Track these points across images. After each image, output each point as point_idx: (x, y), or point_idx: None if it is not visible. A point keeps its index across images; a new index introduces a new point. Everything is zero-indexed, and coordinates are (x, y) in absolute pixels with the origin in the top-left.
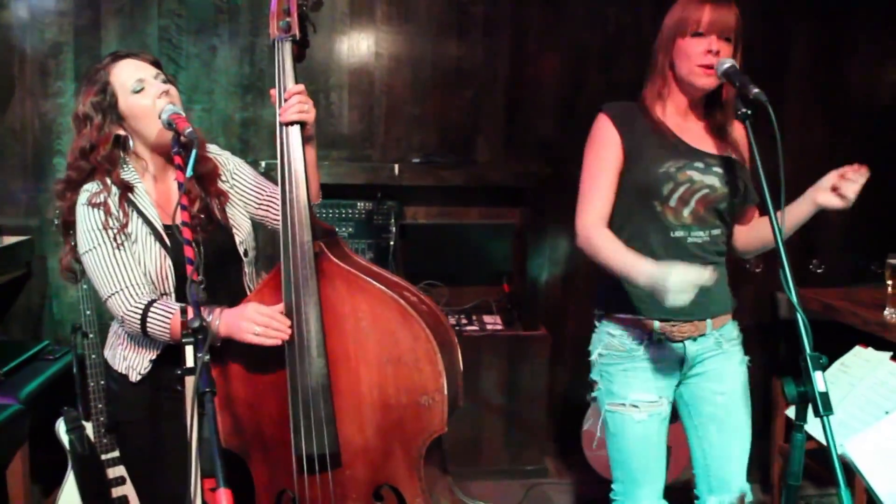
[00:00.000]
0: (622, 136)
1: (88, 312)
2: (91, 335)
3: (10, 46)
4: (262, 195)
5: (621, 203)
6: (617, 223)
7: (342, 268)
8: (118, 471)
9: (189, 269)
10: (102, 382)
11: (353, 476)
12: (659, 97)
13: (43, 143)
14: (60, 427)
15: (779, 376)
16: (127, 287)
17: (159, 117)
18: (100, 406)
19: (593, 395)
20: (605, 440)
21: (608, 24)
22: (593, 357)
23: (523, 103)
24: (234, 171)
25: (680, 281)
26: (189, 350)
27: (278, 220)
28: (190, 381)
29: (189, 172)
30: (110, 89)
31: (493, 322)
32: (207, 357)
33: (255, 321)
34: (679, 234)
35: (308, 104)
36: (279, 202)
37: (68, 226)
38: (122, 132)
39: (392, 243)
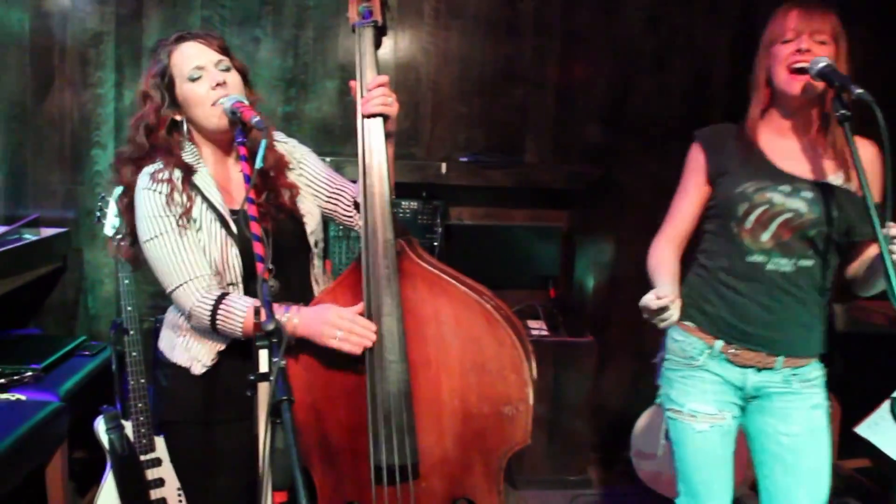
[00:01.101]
0: (708, 160)
1: (130, 308)
2: (132, 332)
3: (50, 35)
4: (332, 187)
5: (710, 222)
6: (705, 246)
7: (424, 268)
8: (157, 472)
9: (259, 267)
10: (143, 381)
11: (429, 488)
12: (759, 117)
13: (81, 134)
14: (100, 426)
15: (834, 390)
16: (195, 278)
17: (213, 105)
18: (139, 405)
19: (658, 400)
20: (672, 449)
21: (660, 25)
22: (658, 361)
23: (572, 105)
24: (302, 161)
25: (643, 302)
26: (263, 355)
27: (348, 215)
28: (263, 388)
29: (259, 163)
30: (168, 73)
31: (538, 327)
32: (284, 362)
33: (337, 326)
34: (757, 258)
35: (392, 97)
36: (349, 196)
37: (128, 204)
38: (178, 117)
39: (436, 244)
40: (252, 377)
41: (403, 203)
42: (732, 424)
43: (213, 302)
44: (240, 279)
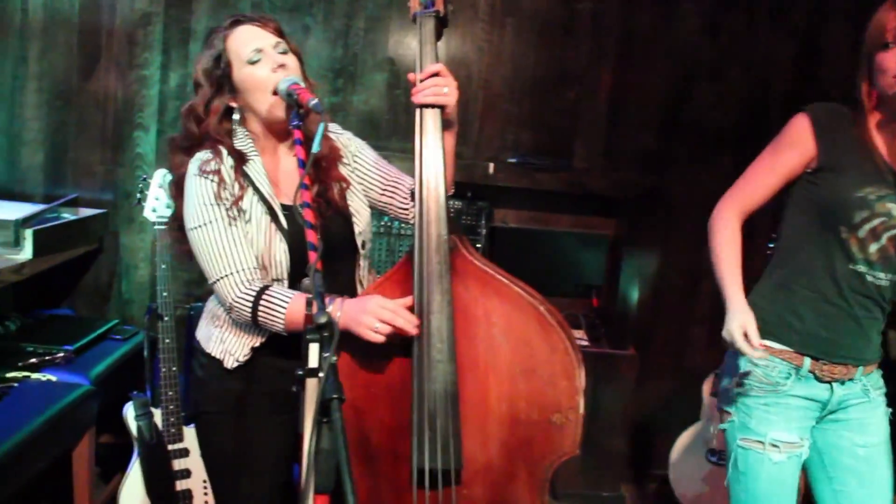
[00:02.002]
0: (819, 145)
1: (165, 294)
2: (167, 318)
3: (99, 15)
4: (387, 180)
5: (801, 220)
6: (793, 242)
7: (477, 266)
8: (184, 463)
9: (312, 256)
10: (174, 369)
11: (471, 496)
12: (872, 121)
13: (124, 116)
14: (129, 412)
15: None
16: (239, 271)
17: (274, 92)
18: (170, 393)
19: (722, 426)
20: (729, 477)
21: (720, 32)
22: (728, 384)
23: (626, 110)
24: (357, 154)
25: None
26: (313, 349)
27: (403, 209)
28: (311, 385)
29: (316, 147)
30: (225, 59)
31: (579, 337)
32: (335, 358)
33: (377, 315)
34: (860, 268)
35: (449, 86)
36: (406, 188)
37: (179, 188)
38: (234, 104)
39: (480, 246)
40: (300, 372)
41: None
42: (808, 453)
43: (254, 295)
44: (286, 275)
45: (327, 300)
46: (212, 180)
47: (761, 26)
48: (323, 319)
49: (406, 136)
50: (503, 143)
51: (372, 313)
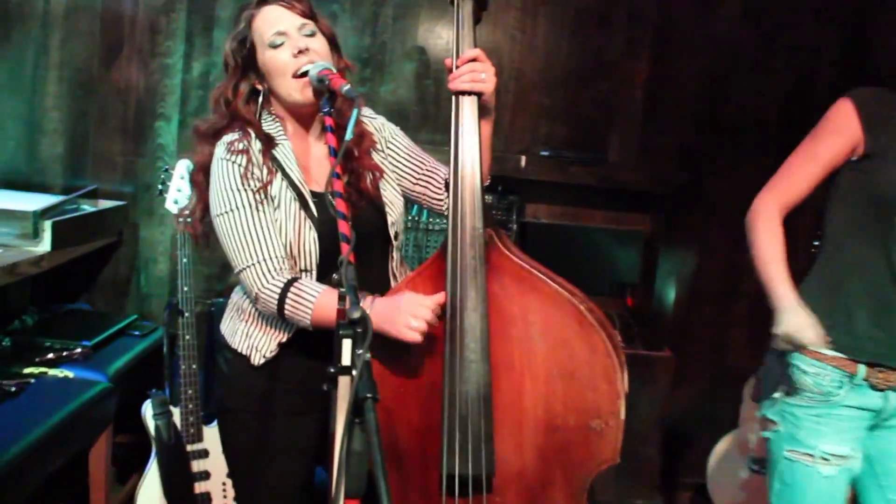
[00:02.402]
0: (867, 132)
1: (186, 289)
2: (187, 314)
3: (121, 1)
4: (422, 169)
5: (849, 212)
6: (841, 237)
7: (513, 262)
8: (203, 465)
9: (344, 248)
10: (194, 367)
11: None
12: None
13: (146, 105)
14: (147, 411)
15: None
16: (266, 259)
17: (295, 76)
18: (190, 392)
19: (765, 434)
20: (773, 490)
21: (762, 21)
22: (772, 391)
23: (663, 103)
24: (390, 140)
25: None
26: (346, 345)
27: (437, 200)
28: (344, 383)
29: (349, 135)
30: (249, 40)
31: None
32: (369, 355)
33: (413, 313)
34: None
35: (486, 72)
36: (440, 178)
37: (198, 183)
38: (259, 86)
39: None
40: (332, 370)
41: None
42: (860, 466)
43: (282, 285)
44: (314, 266)
45: (363, 297)
46: (239, 164)
47: (806, 13)
48: (356, 314)
49: (435, 127)
50: (535, 136)
51: (408, 311)
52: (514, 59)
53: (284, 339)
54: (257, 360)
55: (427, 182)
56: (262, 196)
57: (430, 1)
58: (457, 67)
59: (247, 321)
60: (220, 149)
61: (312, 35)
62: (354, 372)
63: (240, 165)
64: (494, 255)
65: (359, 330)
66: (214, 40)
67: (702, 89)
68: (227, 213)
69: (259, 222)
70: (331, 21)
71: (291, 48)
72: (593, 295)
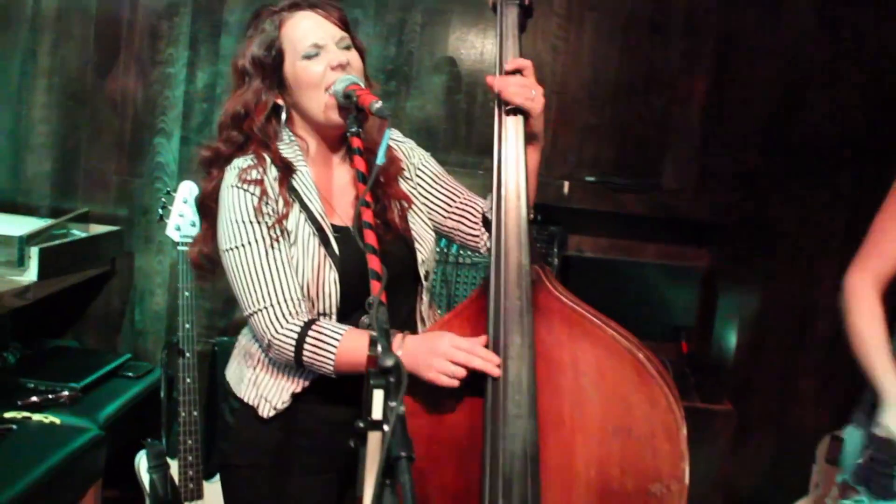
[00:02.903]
0: None
1: (188, 326)
2: (188, 354)
3: (119, 3)
4: (455, 201)
5: None
6: None
7: (564, 303)
8: None
9: (376, 286)
10: (195, 413)
11: None
12: None
13: (144, 119)
14: (141, 463)
15: None
16: (281, 302)
17: (327, 90)
18: (189, 443)
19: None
20: None
21: (839, 28)
22: (863, 460)
23: (724, 121)
24: (420, 168)
25: None
26: (378, 397)
27: (473, 236)
28: (374, 440)
29: (381, 159)
30: (277, 46)
31: None
32: (403, 409)
33: (450, 356)
34: None
35: (535, 89)
36: (477, 212)
37: (207, 209)
38: (280, 102)
39: None
40: (361, 425)
41: None
42: None
43: (298, 330)
44: (334, 310)
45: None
46: (252, 193)
47: (889, 21)
48: (390, 362)
49: (467, 148)
50: (580, 159)
51: (444, 354)
52: (555, 73)
53: (299, 389)
54: (267, 412)
55: (461, 216)
56: (278, 231)
57: (462, 5)
58: (504, 75)
59: (255, 367)
60: (230, 174)
61: (349, 48)
62: (386, 427)
63: (253, 195)
64: (542, 296)
65: (392, 379)
66: (221, 48)
67: (769, 106)
68: (237, 248)
69: (273, 260)
70: (352, 28)
71: (328, 61)
72: (644, 339)
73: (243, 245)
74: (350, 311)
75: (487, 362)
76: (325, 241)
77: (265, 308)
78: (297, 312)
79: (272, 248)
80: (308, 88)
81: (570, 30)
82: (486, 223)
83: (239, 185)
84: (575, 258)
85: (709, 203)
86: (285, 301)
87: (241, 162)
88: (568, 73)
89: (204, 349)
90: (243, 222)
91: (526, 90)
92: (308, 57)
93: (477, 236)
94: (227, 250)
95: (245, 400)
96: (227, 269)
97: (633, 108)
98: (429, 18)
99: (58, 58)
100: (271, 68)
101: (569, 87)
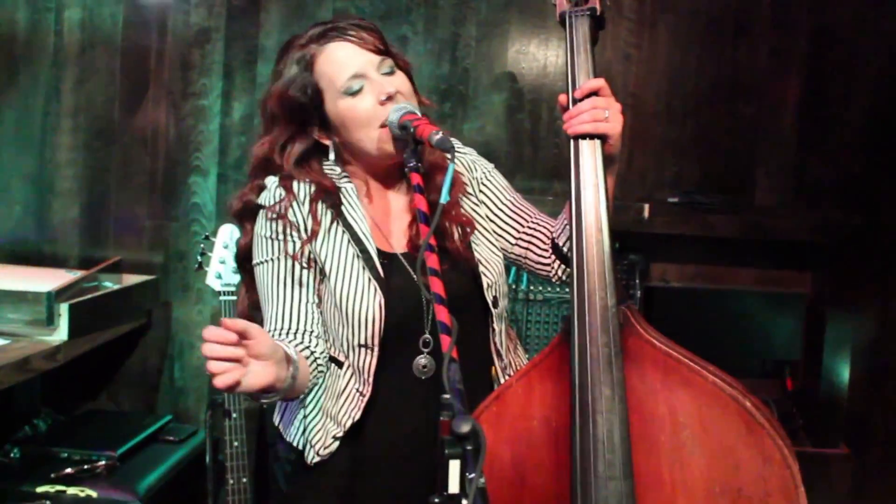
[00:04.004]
0: None
1: None
2: (234, 414)
3: (146, 32)
4: (524, 224)
5: None
6: None
7: (656, 347)
8: None
9: (445, 342)
10: (244, 480)
11: None
12: None
13: (177, 157)
14: None
15: None
16: (291, 332)
17: (382, 125)
18: None
19: None
20: None
21: None
22: None
23: (823, 128)
24: (484, 183)
25: None
26: (454, 468)
27: (542, 264)
28: None
29: (444, 198)
30: (313, 86)
31: None
32: (483, 480)
33: None
34: None
35: (611, 109)
36: (546, 235)
37: (244, 261)
38: (326, 141)
39: None
40: (437, 500)
41: None
42: None
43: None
44: (377, 340)
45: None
46: (273, 214)
47: None
48: (466, 428)
49: (533, 173)
50: (660, 178)
51: None
52: (628, 83)
53: (342, 433)
54: (311, 457)
55: (529, 241)
56: (305, 254)
57: (521, 16)
58: (574, 102)
59: (304, 411)
60: (259, 222)
61: (392, 73)
62: (465, 503)
63: (274, 218)
64: (632, 340)
65: (469, 447)
66: (258, 75)
67: (872, 108)
68: (256, 265)
69: (286, 282)
70: (400, 46)
71: (375, 94)
72: (743, 377)
73: (264, 261)
74: (395, 344)
75: None
76: (369, 264)
77: (277, 333)
78: (308, 343)
79: (296, 267)
80: (359, 127)
81: (643, 35)
82: (556, 249)
83: (265, 232)
84: (659, 289)
85: (809, 220)
86: (296, 331)
87: (268, 195)
88: (643, 83)
89: (251, 406)
90: (265, 237)
91: (598, 112)
92: (351, 93)
93: (547, 264)
94: (254, 266)
95: (294, 444)
96: (257, 285)
97: (718, 119)
98: (484, 31)
99: (83, 94)
100: (309, 109)
101: (644, 99)
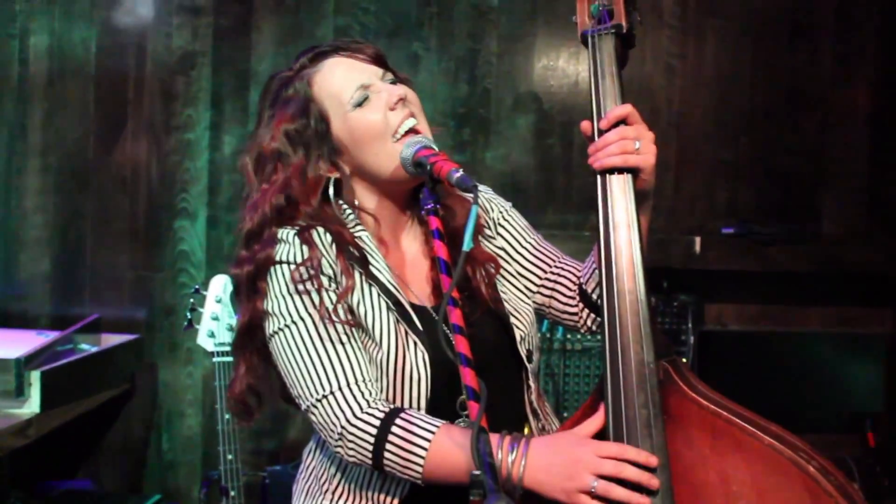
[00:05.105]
0: None
1: (231, 457)
2: (233, 492)
3: (122, 58)
4: (548, 268)
5: None
6: None
7: (703, 406)
8: None
9: (473, 408)
10: None
11: None
12: None
13: (161, 199)
14: None
15: None
16: (359, 383)
17: (394, 137)
18: None
19: None
20: None
21: None
22: None
23: None
24: (502, 224)
25: None
26: None
27: (569, 311)
28: None
29: (468, 244)
30: (315, 109)
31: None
32: None
33: (595, 469)
34: None
35: (642, 138)
36: (573, 279)
37: (248, 333)
38: (336, 174)
39: (686, 360)
40: None
41: None
42: None
43: (383, 416)
44: (423, 402)
45: (497, 440)
46: (304, 262)
47: None
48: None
49: (565, 205)
50: (712, 206)
51: (587, 467)
52: (672, 99)
53: None
54: None
55: (553, 286)
56: (345, 307)
57: (548, 27)
58: (599, 133)
59: (333, 493)
60: (281, 280)
61: (395, 83)
62: None
63: (306, 266)
64: (674, 400)
65: None
66: (251, 104)
67: None
68: (288, 326)
69: (343, 335)
70: (412, 66)
71: (385, 101)
72: (816, 433)
73: (299, 320)
74: (440, 406)
75: (639, 473)
76: (404, 316)
77: (337, 391)
78: (376, 396)
79: (338, 322)
80: (371, 142)
81: (687, 44)
82: (584, 296)
83: (285, 259)
84: (715, 333)
85: (886, 249)
86: (362, 381)
87: (288, 253)
88: (688, 98)
89: (251, 482)
90: (297, 293)
91: (628, 143)
92: (359, 104)
93: (574, 313)
94: (277, 331)
95: None
96: (280, 355)
97: (777, 136)
98: (506, 46)
99: (52, 131)
100: (316, 137)
101: (691, 117)
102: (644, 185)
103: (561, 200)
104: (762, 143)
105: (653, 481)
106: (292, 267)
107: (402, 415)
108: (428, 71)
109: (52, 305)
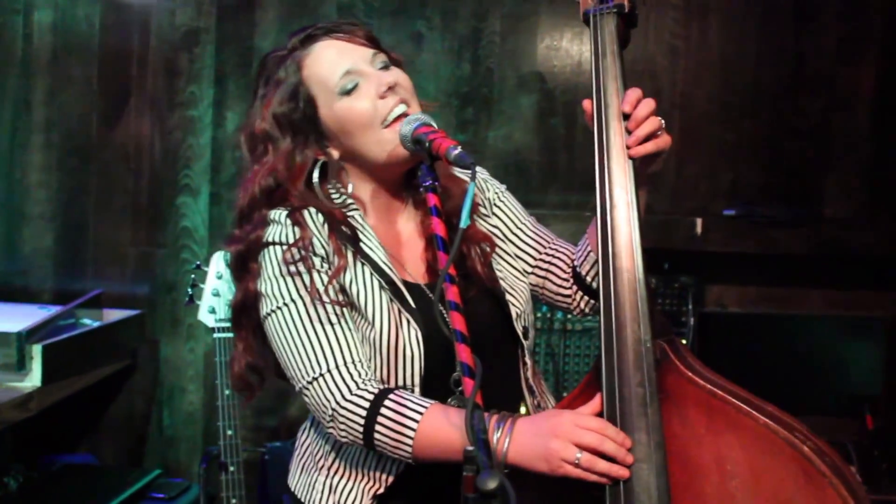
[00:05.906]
0: None
1: (231, 432)
2: (232, 467)
3: (126, 35)
4: (542, 249)
5: None
6: None
7: (700, 386)
8: None
9: (468, 385)
10: None
11: None
12: None
13: (164, 175)
14: None
15: None
16: (348, 364)
17: (383, 124)
18: None
19: None
20: None
21: None
22: None
23: None
24: (497, 204)
25: None
26: None
27: (563, 293)
28: None
29: (465, 221)
30: (305, 93)
31: None
32: None
33: (576, 439)
34: None
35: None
36: (566, 262)
37: (243, 312)
38: (320, 157)
39: (685, 342)
40: None
41: None
42: None
43: (372, 396)
44: (417, 380)
45: (490, 419)
46: (296, 244)
47: None
48: (493, 484)
49: (569, 185)
50: (714, 188)
51: (567, 436)
52: (675, 80)
53: (382, 489)
54: None
55: (548, 268)
56: (336, 287)
57: (552, 6)
58: (626, 114)
59: (329, 469)
60: (273, 261)
61: (387, 68)
62: None
63: (298, 248)
64: (671, 379)
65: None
66: (251, 90)
67: None
68: (282, 307)
69: (335, 316)
70: (415, 45)
71: (374, 87)
72: (815, 415)
73: (290, 302)
74: (434, 384)
75: (618, 447)
76: (397, 295)
77: (327, 372)
78: (367, 377)
79: (329, 303)
80: (360, 130)
81: (690, 25)
82: (578, 278)
83: (276, 240)
84: (716, 315)
85: (889, 232)
86: (353, 362)
87: (278, 233)
88: (692, 79)
89: (251, 458)
90: (288, 275)
91: (654, 123)
92: (346, 92)
93: (568, 294)
94: (270, 313)
95: None
96: (274, 336)
97: (780, 118)
98: (510, 25)
99: (56, 107)
100: (304, 121)
101: (694, 98)
102: (657, 167)
103: (564, 180)
104: (765, 125)
105: (628, 458)
106: (284, 248)
107: (392, 395)
108: (431, 50)
109: (55, 280)
